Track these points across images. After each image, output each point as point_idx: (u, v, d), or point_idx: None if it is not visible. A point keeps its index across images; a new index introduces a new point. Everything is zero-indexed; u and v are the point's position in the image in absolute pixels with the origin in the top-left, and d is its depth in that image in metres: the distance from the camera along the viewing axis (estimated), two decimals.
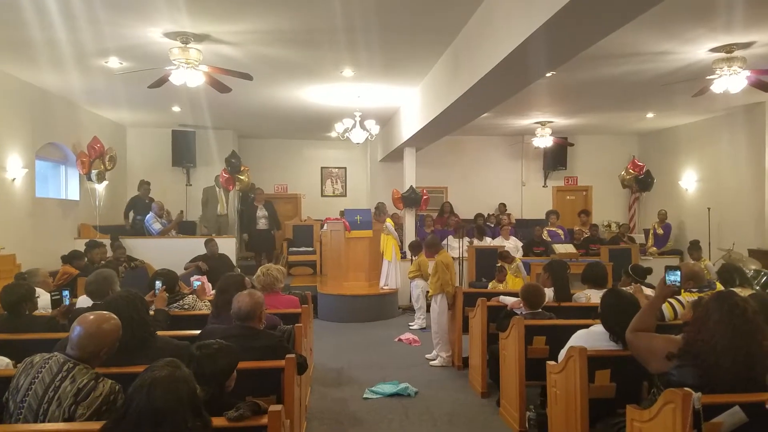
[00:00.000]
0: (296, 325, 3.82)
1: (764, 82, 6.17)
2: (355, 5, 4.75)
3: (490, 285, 7.02)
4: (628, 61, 6.28)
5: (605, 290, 3.30)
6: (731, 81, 5.88)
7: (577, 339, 3.22)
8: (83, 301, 4.19)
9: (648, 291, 4.88)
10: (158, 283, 4.21)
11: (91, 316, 2.52)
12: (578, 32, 3.72)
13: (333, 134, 10.49)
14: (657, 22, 5.03)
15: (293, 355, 2.96)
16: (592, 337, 3.17)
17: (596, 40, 3.90)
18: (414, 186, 9.81)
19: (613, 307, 3.07)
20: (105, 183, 9.02)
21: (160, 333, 3.39)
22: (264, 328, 3.23)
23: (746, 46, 5.68)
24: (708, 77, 6.09)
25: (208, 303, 4.66)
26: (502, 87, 5.33)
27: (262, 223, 10.48)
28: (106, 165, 8.82)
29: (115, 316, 2.60)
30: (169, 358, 2.00)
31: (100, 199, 9.15)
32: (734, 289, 4.36)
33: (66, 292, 3.91)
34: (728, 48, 5.72)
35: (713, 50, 5.83)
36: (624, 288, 4.98)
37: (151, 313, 3.87)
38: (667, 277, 2.70)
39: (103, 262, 7.28)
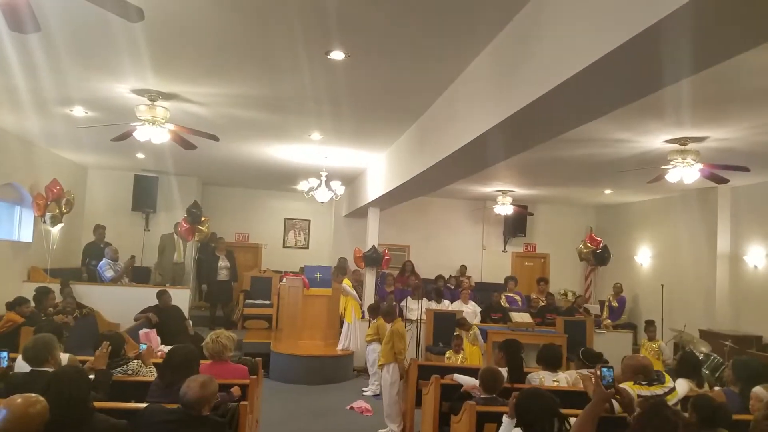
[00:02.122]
0: (241, 403, 3.68)
1: (717, 176, 6.51)
2: (323, 81, 4.87)
3: (447, 354, 6.97)
4: (586, 145, 6.57)
5: (521, 391, 3.29)
6: (685, 172, 6.15)
7: None
8: (22, 364, 3.96)
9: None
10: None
11: (19, 399, 2.46)
12: (535, 130, 3.91)
13: (298, 187, 10.52)
14: (614, 113, 5.27)
15: None
16: None
17: (552, 137, 4.10)
18: (376, 244, 9.83)
19: (528, 408, 3.06)
20: (60, 225, 8.73)
21: (99, 404, 3.24)
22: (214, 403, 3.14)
23: (700, 140, 5.99)
24: (663, 167, 6.39)
25: (154, 369, 4.46)
26: (463, 167, 5.50)
27: (223, 274, 10.24)
28: (63, 209, 8.56)
29: (43, 399, 2.53)
30: None
31: (53, 241, 8.82)
32: (684, 383, 4.51)
33: (4, 354, 3.70)
34: (682, 141, 6.01)
35: (668, 141, 6.12)
36: (573, 372, 5.06)
37: (91, 377, 3.70)
38: (603, 373, 2.80)
39: (50, 309, 6.94)
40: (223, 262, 10.29)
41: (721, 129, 5.63)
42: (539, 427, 3.03)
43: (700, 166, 6.19)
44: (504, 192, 10.68)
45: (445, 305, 9.67)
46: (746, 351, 6.58)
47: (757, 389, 3.66)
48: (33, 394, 2.52)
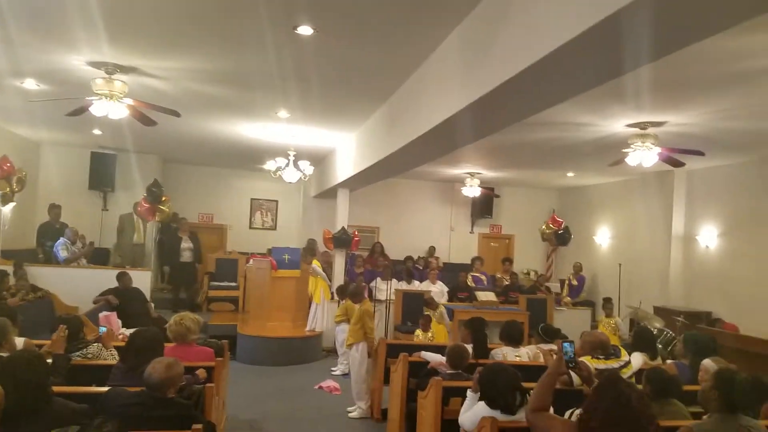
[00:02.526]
0: (207, 385, 3.64)
1: (674, 159, 6.72)
2: (290, 57, 4.75)
3: (416, 333, 7.05)
4: (551, 128, 6.66)
5: (484, 367, 3.40)
6: (645, 155, 6.31)
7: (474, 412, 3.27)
8: None
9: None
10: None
11: None
12: (503, 113, 3.94)
13: (265, 166, 10.33)
14: (578, 98, 5.35)
15: (200, 426, 2.81)
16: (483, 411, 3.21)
17: (520, 119, 4.14)
18: (346, 225, 9.80)
19: (491, 382, 3.18)
20: (12, 204, 8.36)
21: (57, 389, 3.16)
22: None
23: (659, 124, 6.16)
24: (624, 150, 6.55)
25: (115, 352, 4.37)
26: (432, 148, 5.50)
27: (186, 256, 10.02)
28: (14, 187, 8.18)
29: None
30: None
31: (5, 221, 8.45)
32: (639, 357, 4.71)
33: None
34: (642, 125, 6.17)
35: (629, 126, 6.26)
36: (534, 347, 5.22)
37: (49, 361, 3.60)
38: (564, 347, 2.91)
39: (5, 293, 6.69)
40: (186, 243, 10.07)
41: (679, 114, 5.79)
42: (502, 401, 3.13)
43: (658, 150, 6.37)
44: (472, 174, 10.79)
45: (414, 285, 9.77)
46: (697, 326, 6.88)
47: (706, 362, 3.85)
48: None
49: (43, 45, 4.77)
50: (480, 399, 3.28)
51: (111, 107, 5.23)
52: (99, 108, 5.24)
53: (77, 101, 5.50)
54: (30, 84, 5.98)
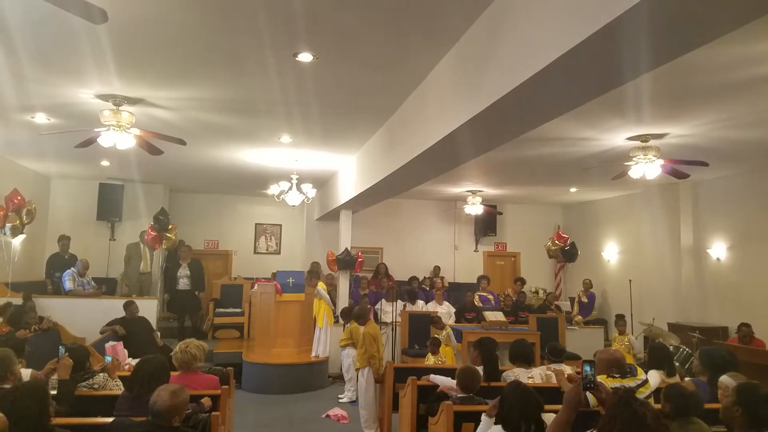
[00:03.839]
0: (213, 413, 3.58)
1: (678, 171, 6.68)
2: (292, 83, 4.81)
3: (427, 356, 6.90)
4: (551, 144, 6.67)
5: (509, 384, 3.29)
6: (647, 168, 6.30)
7: None
8: None
9: (566, 369, 5.02)
10: (62, 349, 3.92)
11: None
12: (503, 127, 3.94)
13: (269, 191, 10.37)
14: (577, 112, 5.36)
15: None
16: None
17: (520, 134, 4.14)
18: (349, 247, 9.77)
19: (512, 405, 3.06)
20: (22, 237, 8.41)
21: (63, 421, 3.12)
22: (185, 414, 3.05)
23: (660, 136, 6.15)
24: (626, 163, 6.53)
25: (120, 383, 4.32)
26: (433, 166, 5.50)
27: (183, 283, 9.95)
28: (24, 219, 8.25)
29: (2, 416, 2.47)
30: None
31: (15, 253, 8.49)
32: (656, 375, 4.60)
33: None
34: (644, 137, 6.16)
35: (630, 138, 6.26)
36: (545, 367, 5.11)
37: (53, 392, 3.56)
38: (584, 369, 2.87)
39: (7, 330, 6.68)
40: (183, 271, 10.00)
41: (680, 125, 5.79)
42: (523, 426, 3.00)
43: (661, 161, 6.35)
44: (474, 192, 10.77)
45: (420, 306, 9.67)
46: (713, 341, 6.76)
47: (723, 378, 3.73)
48: None
49: (54, 80, 4.87)
50: (496, 423, 3.17)
51: (119, 138, 5.30)
52: (107, 139, 5.31)
53: (86, 133, 5.57)
54: (41, 118, 6.08)
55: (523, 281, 11.26)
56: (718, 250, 8.78)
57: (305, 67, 4.37)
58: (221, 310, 10.23)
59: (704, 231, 9.11)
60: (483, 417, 3.39)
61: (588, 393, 3.50)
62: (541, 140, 6.47)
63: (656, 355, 5.03)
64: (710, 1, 2.08)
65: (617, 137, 6.28)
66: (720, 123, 5.66)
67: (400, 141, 5.55)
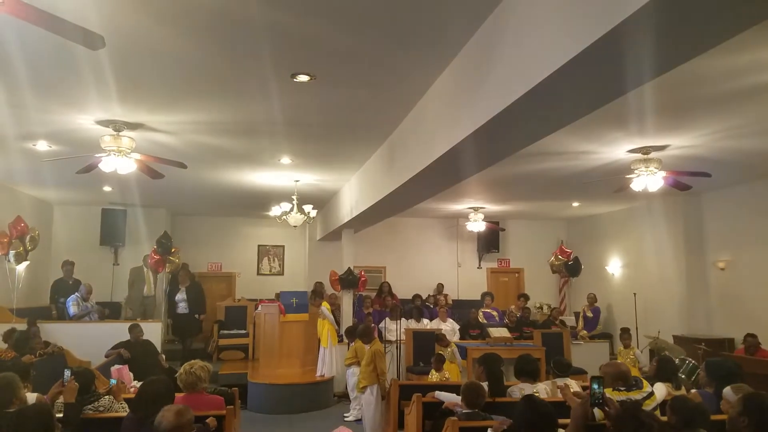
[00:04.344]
0: None
1: (681, 183, 6.70)
2: (290, 104, 4.88)
3: (431, 373, 6.87)
4: (552, 158, 6.71)
5: (524, 397, 3.27)
6: (649, 180, 6.29)
7: None
8: None
9: (572, 384, 4.98)
10: (67, 373, 3.92)
11: None
12: (504, 141, 3.97)
13: (271, 213, 10.42)
14: (577, 125, 5.40)
15: None
16: None
17: (521, 147, 4.17)
18: (352, 267, 9.78)
19: (529, 418, 3.04)
20: (26, 263, 8.47)
21: None
22: None
23: (661, 148, 6.16)
24: (627, 176, 6.55)
25: (125, 405, 4.31)
26: (434, 183, 5.54)
27: (181, 307, 9.95)
28: (27, 246, 8.31)
29: None
30: None
31: (19, 280, 8.53)
32: (662, 387, 4.57)
33: None
34: (645, 150, 6.17)
35: (631, 151, 6.27)
36: (550, 382, 5.08)
37: (59, 415, 3.56)
38: (592, 385, 2.87)
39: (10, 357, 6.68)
40: (181, 295, 9.98)
41: (681, 136, 5.80)
42: None
43: (663, 173, 6.36)
44: (476, 209, 10.80)
45: (424, 324, 9.63)
46: (720, 354, 6.71)
47: (726, 391, 3.71)
48: None
49: (55, 107, 4.95)
50: None
51: (120, 162, 5.37)
52: (108, 164, 5.38)
53: (87, 159, 5.64)
54: (42, 146, 6.17)
55: (526, 297, 11.21)
56: (722, 261, 8.75)
57: (303, 87, 4.44)
58: (225, 331, 10.20)
59: (708, 242, 9.09)
60: None
61: (597, 408, 3.48)
62: (542, 155, 6.51)
63: (663, 369, 5.01)
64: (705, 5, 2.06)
65: (618, 150, 6.30)
66: (722, 133, 5.66)
67: (400, 158, 5.60)
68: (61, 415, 3.66)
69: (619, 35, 2.25)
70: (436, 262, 12.50)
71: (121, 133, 5.31)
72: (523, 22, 2.99)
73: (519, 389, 4.81)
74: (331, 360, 8.34)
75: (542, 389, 4.87)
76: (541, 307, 11.38)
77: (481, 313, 10.31)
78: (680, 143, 6.03)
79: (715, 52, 2.51)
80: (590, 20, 2.35)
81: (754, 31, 2.31)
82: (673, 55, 2.52)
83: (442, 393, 4.93)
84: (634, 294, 9.62)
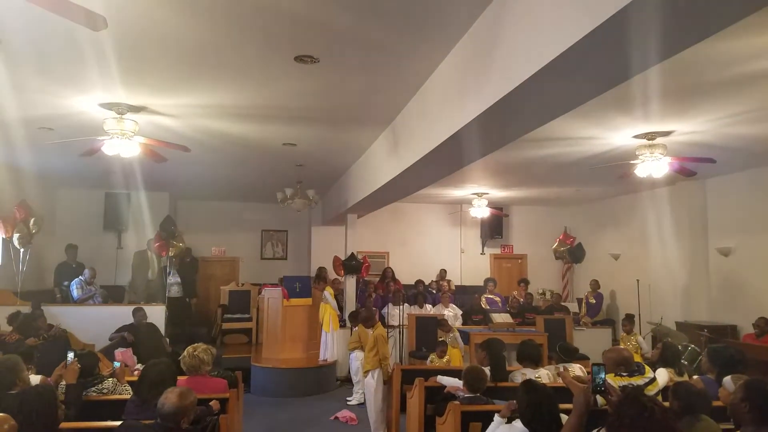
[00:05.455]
0: (222, 415, 3.60)
1: (686, 169, 6.64)
2: (294, 87, 4.84)
3: (430, 358, 6.93)
4: (557, 144, 6.66)
5: (522, 382, 3.29)
6: (654, 166, 6.24)
7: None
8: None
9: (575, 369, 5.00)
10: (70, 354, 3.95)
11: None
12: (508, 126, 3.93)
13: (275, 197, 10.40)
14: (582, 110, 5.34)
15: None
16: None
17: (526, 132, 4.13)
18: (355, 252, 9.78)
19: (529, 401, 3.06)
20: (30, 246, 8.48)
21: (71, 425, 3.14)
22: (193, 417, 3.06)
23: (666, 134, 6.10)
24: (632, 162, 6.50)
25: (129, 387, 4.34)
26: (438, 168, 5.50)
27: (174, 291, 9.96)
28: (31, 229, 8.32)
29: (12, 420, 2.50)
30: None
31: (23, 263, 8.56)
32: (665, 373, 4.57)
33: None
34: (650, 135, 6.10)
35: (636, 137, 6.20)
36: (553, 367, 5.10)
37: (61, 397, 3.59)
38: (593, 371, 2.88)
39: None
40: (173, 278, 9.98)
41: (687, 122, 5.74)
42: (544, 425, 2.98)
43: (668, 159, 6.30)
44: (479, 195, 10.76)
45: (427, 310, 9.66)
46: (723, 340, 6.71)
47: (726, 380, 3.70)
48: (1, 414, 2.46)
49: (58, 90, 4.92)
50: (509, 421, 3.15)
51: (123, 145, 5.34)
52: (111, 147, 5.36)
53: (90, 142, 5.62)
54: (45, 128, 6.12)
55: (526, 282, 11.24)
56: (726, 248, 8.71)
57: (307, 70, 4.39)
58: (229, 315, 10.27)
59: (712, 229, 9.04)
60: (495, 417, 3.39)
61: (599, 395, 3.49)
62: (547, 140, 6.46)
63: (668, 353, 5.01)
64: None
65: (623, 135, 6.24)
66: (728, 119, 5.60)
67: (404, 143, 5.56)
68: (62, 389, 3.70)
69: (625, 18, 2.21)
70: (440, 247, 12.50)
71: (124, 117, 5.28)
72: (528, 4, 2.94)
73: (521, 374, 4.83)
74: (333, 344, 8.40)
75: (544, 374, 4.89)
76: (543, 294, 11.39)
77: (483, 299, 10.34)
78: (686, 129, 5.96)
79: (722, 37, 2.46)
80: (596, 2, 2.30)
81: (760, 16, 2.26)
82: (683, 36, 2.47)
83: (444, 377, 4.95)
84: (637, 280, 9.61)
